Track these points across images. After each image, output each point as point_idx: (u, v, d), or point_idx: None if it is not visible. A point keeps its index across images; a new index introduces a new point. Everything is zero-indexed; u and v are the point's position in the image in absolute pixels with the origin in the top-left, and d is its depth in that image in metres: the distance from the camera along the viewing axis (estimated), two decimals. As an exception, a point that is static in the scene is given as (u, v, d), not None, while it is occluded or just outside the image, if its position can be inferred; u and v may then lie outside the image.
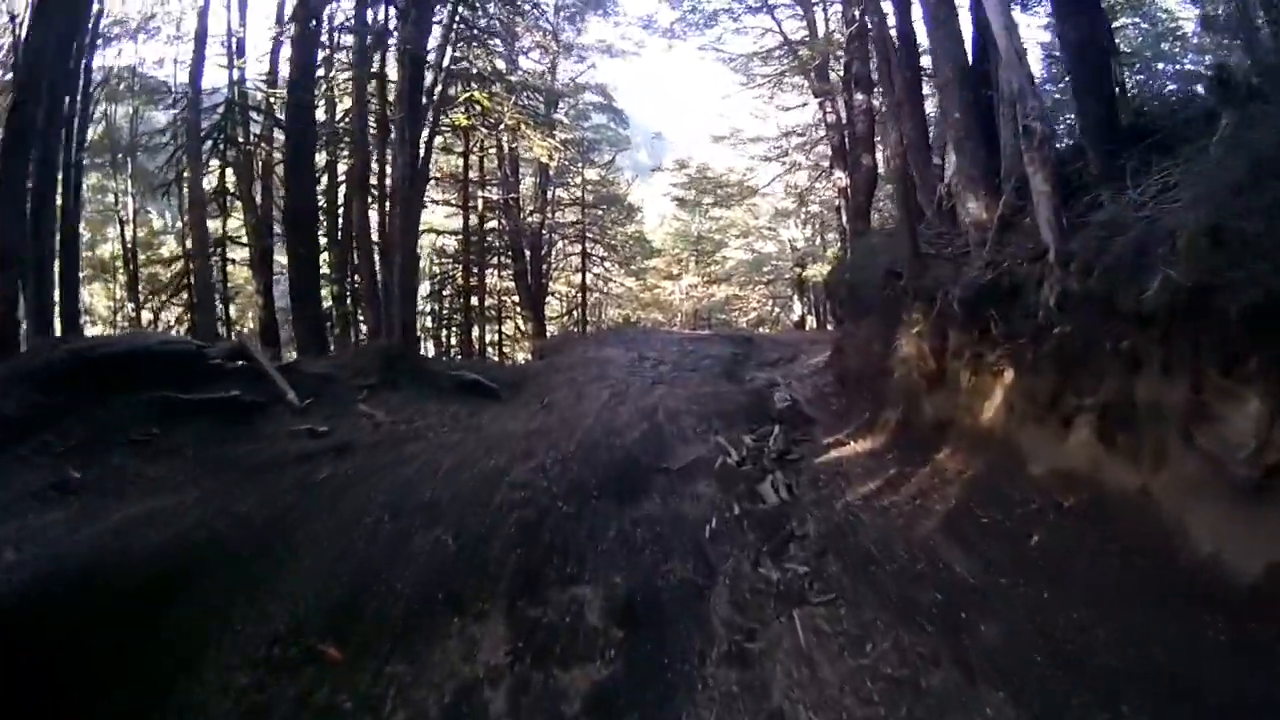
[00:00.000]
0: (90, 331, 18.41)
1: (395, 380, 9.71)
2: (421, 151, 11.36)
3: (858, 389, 9.62)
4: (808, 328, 25.96)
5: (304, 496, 5.92)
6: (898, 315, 8.53)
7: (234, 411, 7.36)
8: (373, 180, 13.36)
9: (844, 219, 19.74)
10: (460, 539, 5.40)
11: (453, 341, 22.67)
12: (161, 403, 6.96)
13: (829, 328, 26.64)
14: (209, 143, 14.22)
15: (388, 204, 11.80)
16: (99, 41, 16.66)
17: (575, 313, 25.75)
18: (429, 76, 12.35)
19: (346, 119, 13.31)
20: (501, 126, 16.52)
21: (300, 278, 12.15)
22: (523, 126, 16.04)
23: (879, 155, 18.93)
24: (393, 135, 10.41)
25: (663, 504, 6.10)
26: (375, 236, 12.60)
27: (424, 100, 11.63)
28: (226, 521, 5.40)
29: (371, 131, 12.92)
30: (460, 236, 20.61)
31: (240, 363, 8.02)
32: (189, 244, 14.00)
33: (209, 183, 14.74)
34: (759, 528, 5.72)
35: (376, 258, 10.83)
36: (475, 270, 20.49)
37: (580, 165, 23.82)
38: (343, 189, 14.45)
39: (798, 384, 11.35)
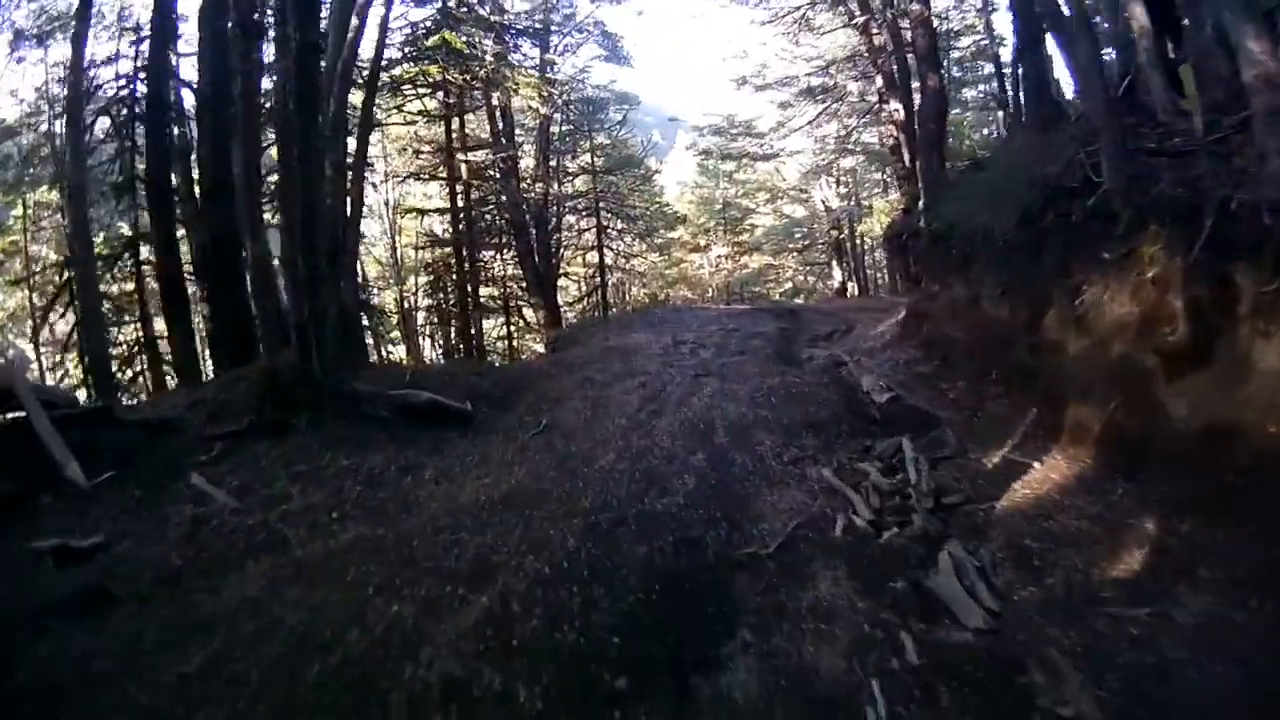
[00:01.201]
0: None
1: (284, 421, 6.10)
2: (359, 96, 8.37)
3: (974, 370, 7.03)
4: (849, 295, 23.05)
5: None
6: (1071, 257, 5.67)
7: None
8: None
9: (906, 158, 16.40)
10: None
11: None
12: None
13: (871, 294, 23.68)
14: (106, 118, 11.14)
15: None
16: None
17: (595, 295, 22.62)
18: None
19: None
20: (482, 73, 13.48)
21: (178, 277, 8.75)
22: (504, 69, 13.01)
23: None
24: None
25: (761, 660, 2.96)
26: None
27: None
28: None
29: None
30: (449, 215, 17.51)
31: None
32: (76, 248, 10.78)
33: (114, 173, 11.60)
34: (977, 710, 2.69)
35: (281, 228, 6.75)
36: (465, 253, 17.32)
37: (587, 128, 20.67)
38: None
39: (868, 360, 8.74)
